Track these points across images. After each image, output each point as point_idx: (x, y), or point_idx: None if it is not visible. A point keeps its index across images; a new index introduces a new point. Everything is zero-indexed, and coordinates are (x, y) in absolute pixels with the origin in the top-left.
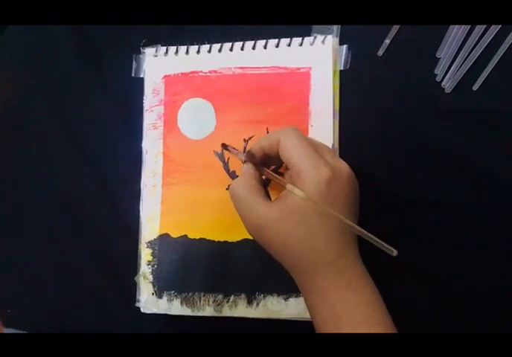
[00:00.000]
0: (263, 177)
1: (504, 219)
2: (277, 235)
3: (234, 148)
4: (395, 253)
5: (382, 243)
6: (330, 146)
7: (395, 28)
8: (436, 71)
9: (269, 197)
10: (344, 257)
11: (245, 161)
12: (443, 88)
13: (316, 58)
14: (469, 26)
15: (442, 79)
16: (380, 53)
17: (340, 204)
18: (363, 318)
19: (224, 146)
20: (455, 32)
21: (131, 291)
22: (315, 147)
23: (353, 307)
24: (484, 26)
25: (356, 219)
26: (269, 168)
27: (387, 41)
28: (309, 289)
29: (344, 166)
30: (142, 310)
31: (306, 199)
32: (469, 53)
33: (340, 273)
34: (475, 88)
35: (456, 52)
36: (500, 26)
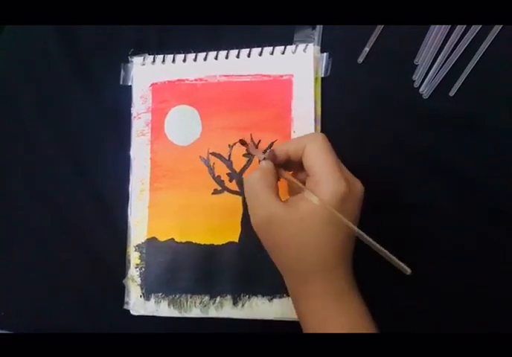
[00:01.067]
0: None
1: (478, 220)
2: (283, 234)
3: (253, 145)
4: (409, 272)
5: (397, 261)
6: None
7: (374, 36)
8: (414, 78)
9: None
10: (342, 266)
11: (264, 159)
12: (421, 94)
13: (298, 66)
14: (445, 34)
15: (420, 86)
16: (360, 60)
17: (349, 219)
18: (352, 325)
19: (242, 142)
20: (432, 39)
21: (120, 293)
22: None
23: (343, 314)
24: (460, 33)
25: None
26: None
27: (366, 49)
28: (302, 294)
29: (359, 185)
30: (131, 312)
31: (324, 207)
32: (446, 60)
33: (335, 281)
34: (451, 93)
35: (433, 59)
36: (475, 33)
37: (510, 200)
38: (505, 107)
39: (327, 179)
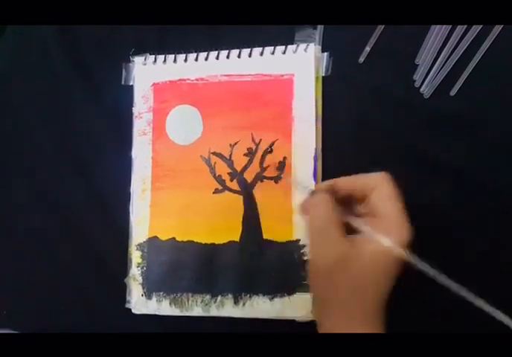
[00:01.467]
0: None
1: (479, 221)
2: (344, 275)
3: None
4: None
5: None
6: (313, 151)
7: (375, 36)
8: (415, 77)
9: None
10: (381, 311)
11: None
12: (422, 94)
13: (299, 65)
14: (446, 33)
15: (421, 85)
16: (361, 60)
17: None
18: None
19: None
20: (433, 39)
21: (122, 292)
22: None
23: None
24: (461, 33)
25: None
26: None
27: (367, 48)
28: (331, 326)
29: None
30: (133, 311)
31: (403, 256)
32: (447, 59)
33: (374, 326)
34: (452, 93)
35: (434, 58)
36: (476, 33)
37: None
38: (506, 107)
39: (398, 227)
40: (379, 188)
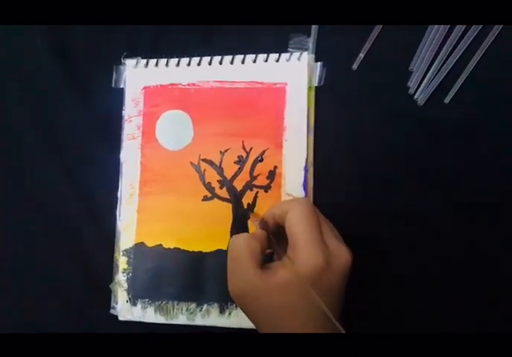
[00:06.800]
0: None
1: (475, 231)
2: (258, 305)
3: (254, 217)
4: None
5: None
6: (304, 161)
7: (369, 43)
8: (409, 84)
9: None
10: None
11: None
12: (416, 101)
13: (292, 74)
14: (441, 40)
15: (415, 92)
16: (355, 67)
17: (327, 295)
18: None
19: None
20: (427, 45)
21: (108, 298)
22: (322, 225)
23: None
24: (456, 39)
25: (342, 304)
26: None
27: (361, 55)
28: None
29: (345, 256)
30: (118, 317)
31: (299, 281)
32: (441, 66)
33: None
34: (446, 100)
35: (428, 66)
36: (471, 39)
37: (508, 208)
38: (500, 114)
39: (304, 251)
40: (290, 211)
